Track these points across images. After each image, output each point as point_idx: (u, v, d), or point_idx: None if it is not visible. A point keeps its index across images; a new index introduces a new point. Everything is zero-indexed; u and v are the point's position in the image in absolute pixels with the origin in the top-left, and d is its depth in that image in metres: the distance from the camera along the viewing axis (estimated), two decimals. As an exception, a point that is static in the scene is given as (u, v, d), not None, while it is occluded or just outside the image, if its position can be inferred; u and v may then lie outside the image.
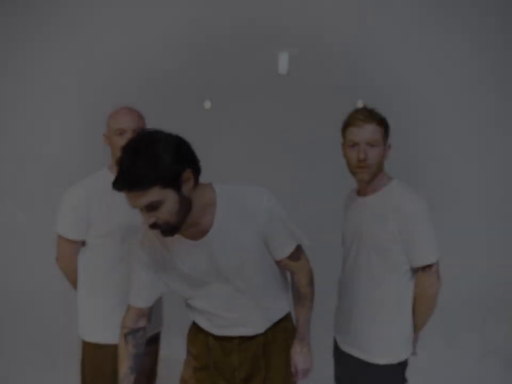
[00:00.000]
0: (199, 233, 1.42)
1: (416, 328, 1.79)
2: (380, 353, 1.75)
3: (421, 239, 1.65)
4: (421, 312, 1.74)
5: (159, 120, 2.34)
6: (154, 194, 1.25)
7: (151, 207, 1.27)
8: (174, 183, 1.28)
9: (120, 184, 1.25)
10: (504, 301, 2.97)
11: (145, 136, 1.30)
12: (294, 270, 1.58)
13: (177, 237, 1.41)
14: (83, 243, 1.92)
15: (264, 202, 1.42)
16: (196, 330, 1.67)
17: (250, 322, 1.56)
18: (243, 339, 1.58)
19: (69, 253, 1.92)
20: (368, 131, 1.69)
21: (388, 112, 1.79)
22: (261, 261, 1.49)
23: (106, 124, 1.92)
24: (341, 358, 1.89)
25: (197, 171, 1.36)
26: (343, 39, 2.89)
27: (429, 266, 1.67)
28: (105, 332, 1.89)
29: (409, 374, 1.83)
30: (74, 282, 1.98)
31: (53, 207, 1.96)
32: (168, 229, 1.32)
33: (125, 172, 1.23)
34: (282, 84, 3.01)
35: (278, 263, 1.56)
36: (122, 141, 1.85)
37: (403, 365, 1.78)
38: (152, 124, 2.04)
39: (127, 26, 2.87)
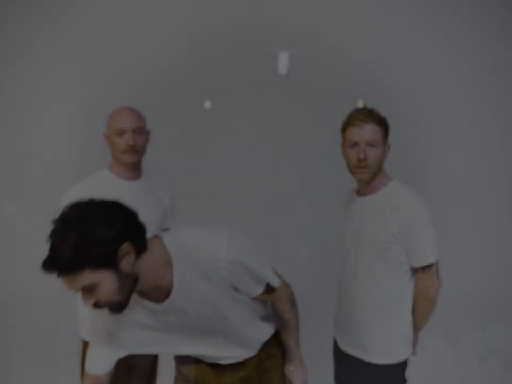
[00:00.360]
0: (162, 295, 1.28)
1: (416, 328, 1.79)
2: (379, 353, 1.75)
3: (421, 239, 1.65)
4: (420, 312, 1.74)
5: (159, 120, 2.35)
6: (86, 278, 1.11)
7: (87, 290, 1.14)
8: (108, 262, 1.13)
9: (48, 267, 1.10)
10: (505, 301, 2.97)
11: (74, 211, 1.14)
12: (273, 300, 1.46)
13: (140, 302, 1.29)
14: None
15: (223, 252, 1.24)
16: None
17: (234, 354, 1.48)
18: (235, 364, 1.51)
19: (69, 252, 1.91)
20: (368, 131, 1.69)
21: (387, 112, 1.79)
22: (233, 303, 1.36)
23: (107, 124, 1.93)
24: (341, 358, 1.89)
25: (139, 240, 1.19)
26: (343, 39, 2.90)
27: (429, 266, 1.67)
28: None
29: (410, 374, 1.83)
30: (74, 282, 1.98)
31: (52, 208, 1.96)
32: (113, 307, 1.19)
33: (52, 254, 1.10)
34: (282, 84, 3.01)
35: (255, 298, 1.43)
36: (122, 141, 1.85)
37: (403, 365, 1.78)
38: (152, 123, 2.05)
39: (127, 26, 2.87)
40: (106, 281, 1.13)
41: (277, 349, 1.58)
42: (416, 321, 1.77)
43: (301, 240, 3.14)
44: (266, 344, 1.54)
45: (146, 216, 1.95)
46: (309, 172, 3.08)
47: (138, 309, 1.30)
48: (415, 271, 1.72)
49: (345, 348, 1.85)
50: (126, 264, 1.16)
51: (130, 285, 1.18)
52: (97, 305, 1.17)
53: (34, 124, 2.90)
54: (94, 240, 1.10)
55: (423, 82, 2.95)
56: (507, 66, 2.99)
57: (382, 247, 1.70)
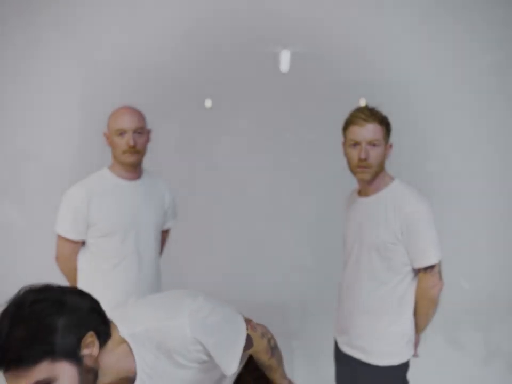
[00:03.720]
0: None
1: (418, 329, 1.78)
2: (381, 354, 1.74)
3: (423, 239, 1.65)
4: (422, 313, 1.73)
5: (160, 119, 2.35)
6: (41, 371, 0.95)
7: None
8: (70, 353, 0.99)
9: (2, 358, 0.94)
10: (509, 302, 2.96)
11: (30, 294, 1.02)
12: (252, 353, 1.35)
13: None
14: (83, 243, 1.92)
15: (188, 336, 1.11)
16: None
17: None
18: None
19: (69, 253, 1.91)
20: (369, 130, 1.68)
21: (389, 111, 1.78)
22: (207, 380, 1.24)
23: (107, 124, 1.92)
24: (342, 359, 1.88)
25: (102, 330, 1.07)
26: (344, 37, 2.89)
27: (431, 267, 1.66)
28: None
29: (411, 375, 1.82)
30: (74, 283, 1.97)
31: (52, 208, 1.95)
32: None
33: (1, 346, 0.94)
34: (283, 82, 3.00)
35: None
36: (122, 141, 1.85)
37: (404, 367, 1.77)
38: (152, 123, 2.04)
39: (127, 26, 2.86)
40: (65, 376, 0.97)
41: (266, 381, 1.48)
42: (418, 322, 1.76)
43: (301, 240, 3.13)
44: (252, 368, 1.44)
45: (147, 216, 1.96)
46: (310, 172, 3.08)
47: None
48: (417, 271, 1.71)
49: (346, 349, 1.84)
50: (88, 356, 1.02)
51: (91, 380, 1.04)
52: None
53: (34, 124, 2.90)
54: (55, 327, 0.97)
55: (424, 81, 2.94)
56: (508, 66, 2.98)
57: (384, 247, 1.69)
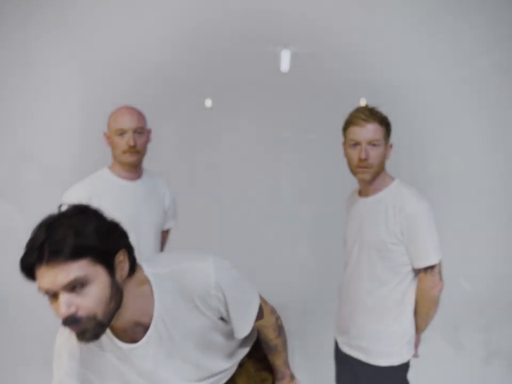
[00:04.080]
0: (139, 333, 1.13)
1: (418, 329, 1.78)
2: (381, 354, 1.74)
3: (423, 240, 1.65)
4: (423, 314, 1.73)
5: (160, 119, 2.34)
6: (80, 268, 0.96)
7: (73, 288, 0.96)
8: (106, 260, 1.01)
9: (34, 253, 0.95)
10: (509, 301, 2.96)
11: (73, 207, 1.06)
12: (259, 329, 1.36)
13: (116, 343, 1.13)
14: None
15: (211, 280, 1.12)
16: None
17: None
18: None
19: (69, 253, 1.91)
20: (369, 130, 1.68)
21: (389, 111, 1.78)
22: (220, 335, 1.25)
23: (107, 124, 1.92)
24: (342, 359, 1.88)
25: (131, 257, 1.09)
26: (345, 37, 2.88)
27: (431, 267, 1.66)
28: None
29: (412, 376, 1.82)
30: (74, 283, 1.98)
31: (52, 208, 1.95)
32: (91, 328, 0.99)
33: (42, 240, 0.94)
34: (283, 82, 3.00)
35: None
36: (122, 141, 1.85)
37: (405, 367, 1.77)
38: (152, 123, 2.04)
39: (127, 26, 2.86)
40: (100, 280, 0.99)
41: (268, 373, 1.50)
42: (418, 323, 1.76)
43: (301, 240, 3.13)
44: (255, 359, 1.46)
45: (146, 216, 1.96)
46: (310, 172, 3.07)
47: (109, 348, 1.14)
48: (417, 272, 1.71)
49: (346, 349, 1.84)
50: (120, 273, 1.04)
51: (116, 303, 1.03)
52: (74, 318, 0.97)
53: (33, 124, 2.89)
54: (96, 229, 0.99)
55: (424, 81, 2.94)
56: (508, 65, 2.98)
57: (384, 248, 1.69)
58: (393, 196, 1.71)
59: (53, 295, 0.98)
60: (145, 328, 1.13)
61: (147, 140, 1.96)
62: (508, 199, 3.02)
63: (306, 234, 3.13)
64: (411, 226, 1.64)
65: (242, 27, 2.84)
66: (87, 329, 0.99)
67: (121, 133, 1.85)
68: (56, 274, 0.94)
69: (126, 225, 1.86)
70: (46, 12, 2.86)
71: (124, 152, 1.85)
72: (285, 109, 2.98)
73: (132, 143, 1.83)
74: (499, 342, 2.93)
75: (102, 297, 0.99)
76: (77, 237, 0.96)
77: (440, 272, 1.68)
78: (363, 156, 1.67)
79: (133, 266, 1.09)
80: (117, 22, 2.87)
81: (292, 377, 1.52)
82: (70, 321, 0.96)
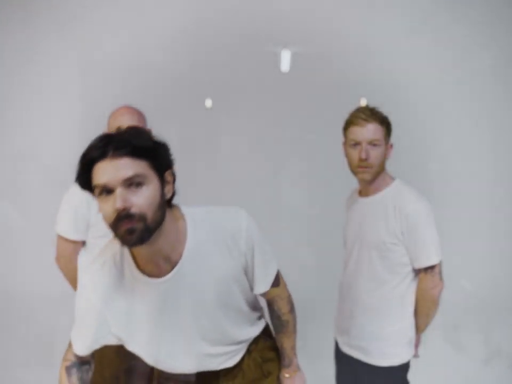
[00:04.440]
0: (167, 267, 1.16)
1: (419, 330, 1.78)
2: (381, 355, 1.74)
3: (424, 240, 1.65)
4: (423, 314, 1.73)
5: (160, 119, 2.33)
6: (140, 167, 1.03)
7: (132, 184, 1.02)
8: (159, 171, 1.08)
9: (98, 149, 1.03)
10: (509, 301, 2.96)
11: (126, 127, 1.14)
12: (273, 298, 1.38)
13: (139, 274, 1.17)
14: (83, 243, 1.91)
15: (244, 223, 1.21)
16: None
17: (222, 354, 1.33)
18: (227, 369, 1.37)
19: (69, 253, 1.91)
20: (370, 130, 1.68)
21: (389, 111, 1.77)
22: (239, 290, 1.27)
23: (107, 124, 1.92)
24: (342, 359, 1.88)
25: (174, 186, 1.16)
26: (345, 37, 2.88)
27: (432, 267, 1.66)
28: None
29: (412, 376, 1.82)
30: (74, 283, 1.97)
31: (52, 208, 1.95)
32: (139, 229, 1.03)
33: (107, 140, 1.04)
34: (284, 82, 3.00)
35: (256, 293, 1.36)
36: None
37: (405, 367, 1.77)
38: (152, 122, 2.03)
39: (127, 26, 2.86)
40: (154, 185, 1.06)
41: (273, 352, 1.49)
42: (418, 323, 1.76)
43: (301, 240, 3.13)
44: (262, 344, 1.45)
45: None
46: (310, 172, 3.07)
47: (137, 283, 1.17)
48: (417, 272, 1.71)
49: (346, 349, 1.84)
50: (167, 191, 1.11)
51: (161, 216, 1.08)
52: (127, 214, 1.01)
53: (33, 124, 2.89)
54: (155, 142, 1.09)
55: (425, 81, 2.94)
56: (509, 66, 2.98)
57: (384, 248, 1.69)
58: (394, 196, 1.71)
59: (108, 192, 1.03)
60: (172, 266, 1.16)
61: (147, 140, 1.95)
62: (508, 199, 3.01)
63: (306, 234, 3.12)
64: (411, 227, 1.64)
65: (242, 27, 2.83)
66: (136, 228, 1.02)
67: (121, 133, 1.85)
68: (118, 168, 1.01)
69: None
70: (47, 12, 2.86)
71: (124, 152, 1.85)
72: (285, 109, 2.98)
73: (132, 143, 1.83)
74: (499, 342, 2.93)
75: (153, 201, 1.04)
76: (139, 139, 1.05)
77: (440, 273, 1.68)
78: (363, 156, 1.67)
79: (173, 196, 1.15)
80: (117, 22, 2.87)
81: (298, 367, 1.51)
82: (124, 216, 1.01)
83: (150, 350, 1.28)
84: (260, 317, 1.46)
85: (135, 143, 1.04)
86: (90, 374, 1.30)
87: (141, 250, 1.12)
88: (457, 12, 2.94)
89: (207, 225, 1.19)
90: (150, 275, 1.17)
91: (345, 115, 1.78)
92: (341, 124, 1.78)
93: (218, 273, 1.20)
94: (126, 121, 1.85)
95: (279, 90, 2.91)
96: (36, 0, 2.86)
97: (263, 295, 1.36)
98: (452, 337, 2.93)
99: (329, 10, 2.85)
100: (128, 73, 2.83)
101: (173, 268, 1.16)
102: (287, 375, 1.49)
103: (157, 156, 1.07)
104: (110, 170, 1.02)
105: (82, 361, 1.30)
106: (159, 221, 1.08)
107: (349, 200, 1.96)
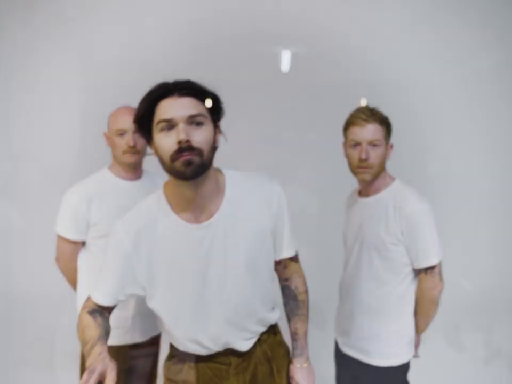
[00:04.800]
0: (203, 217, 1.25)
1: (419, 330, 1.78)
2: (381, 355, 1.74)
3: (424, 240, 1.64)
4: (423, 314, 1.73)
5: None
6: (203, 108, 1.19)
7: (194, 122, 1.15)
8: (215, 119, 1.23)
9: (181, 84, 1.17)
10: (509, 301, 2.96)
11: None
12: (291, 274, 1.45)
13: (175, 220, 1.24)
14: (83, 244, 1.91)
15: (277, 189, 1.34)
16: (177, 360, 1.42)
17: (241, 326, 1.34)
18: (238, 359, 1.37)
19: (69, 253, 1.90)
20: (370, 131, 1.68)
21: (389, 111, 1.77)
22: (265, 254, 1.34)
23: (107, 124, 1.91)
24: (342, 360, 1.88)
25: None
26: (345, 37, 2.88)
27: (432, 267, 1.66)
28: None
29: (412, 377, 1.82)
30: (74, 283, 1.97)
31: (52, 208, 1.95)
32: (196, 162, 1.14)
33: (179, 80, 1.19)
34: (284, 82, 2.99)
35: (277, 264, 1.42)
36: (122, 141, 1.84)
37: (405, 367, 1.77)
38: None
39: (127, 26, 2.85)
40: (210, 128, 1.19)
41: (283, 348, 1.49)
42: (418, 323, 1.76)
43: (301, 240, 3.12)
44: (272, 339, 1.45)
45: (146, 216, 1.95)
46: (310, 172, 3.07)
47: (173, 228, 1.24)
48: (417, 272, 1.71)
49: (346, 349, 1.84)
50: (216, 139, 1.23)
51: (211, 159, 1.21)
52: (190, 145, 1.13)
53: (33, 124, 2.89)
54: (214, 93, 1.23)
55: (425, 81, 2.94)
56: (509, 66, 2.98)
57: (384, 248, 1.69)
58: (394, 196, 1.71)
59: (170, 128, 1.15)
60: (208, 217, 1.25)
61: (147, 140, 1.95)
62: (508, 199, 3.01)
63: (307, 235, 3.12)
64: (411, 227, 1.64)
65: (242, 27, 2.83)
66: (194, 161, 1.14)
67: (121, 133, 1.84)
68: (184, 106, 1.15)
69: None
70: (47, 12, 2.85)
71: (124, 152, 1.85)
72: (285, 109, 2.98)
73: (131, 143, 1.83)
74: (501, 342, 2.93)
75: (209, 141, 1.18)
76: (201, 86, 1.20)
77: (440, 273, 1.68)
78: (363, 156, 1.67)
79: (216, 149, 1.25)
80: (117, 22, 2.86)
81: (309, 359, 1.50)
82: (185, 148, 1.13)
83: (171, 305, 1.30)
84: (274, 310, 1.46)
85: (199, 87, 1.19)
86: (110, 328, 1.28)
87: (185, 192, 1.21)
88: (458, 12, 2.94)
89: (243, 185, 1.30)
90: (189, 221, 1.25)
91: (345, 115, 1.77)
92: (341, 124, 1.78)
93: (251, 229, 1.28)
94: (126, 121, 1.84)
95: (279, 90, 2.91)
96: (36, 0, 2.86)
97: (284, 269, 1.43)
98: (452, 337, 2.93)
99: (329, 10, 2.85)
100: (128, 73, 2.83)
101: (208, 219, 1.25)
102: (298, 365, 1.47)
103: (214, 104, 1.21)
104: (175, 107, 1.15)
105: (103, 311, 1.29)
106: (210, 162, 1.21)
107: (348, 201, 1.96)
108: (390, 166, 1.79)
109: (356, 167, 1.72)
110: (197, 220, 1.25)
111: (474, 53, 2.99)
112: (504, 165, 3.05)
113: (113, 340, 1.87)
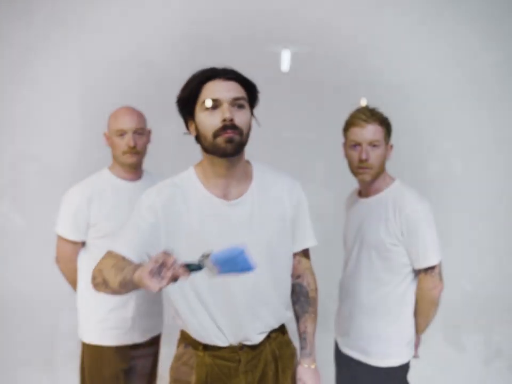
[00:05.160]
0: (233, 195, 1.33)
1: (419, 330, 1.78)
2: (381, 355, 1.73)
3: (424, 240, 1.64)
4: (423, 314, 1.73)
5: (160, 119, 2.33)
6: (244, 94, 1.30)
7: (236, 104, 1.26)
8: (252, 108, 1.34)
9: (229, 70, 1.29)
10: (510, 302, 2.95)
11: None
12: (304, 271, 1.48)
13: (205, 194, 1.31)
14: (83, 244, 1.91)
15: (298, 184, 1.45)
16: (185, 360, 1.41)
17: (256, 312, 1.35)
18: (247, 356, 1.36)
19: (69, 253, 1.90)
20: (370, 131, 1.68)
21: (389, 111, 1.77)
22: (285, 242, 1.40)
23: (107, 124, 1.91)
24: (342, 360, 1.87)
25: None
26: (345, 37, 2.88)
27: (431, 268, 1.66)
28: (104, 334, 1.88)
29: (413, 378, 1.82)
30: (74, 283, 1.97)
31: (52, 209, 1.95)
32: (236, 140, 1.25)
33: (229, 67, 1.30)
34: (284, 82, 2.99)
35: (294, 256, 1.46)
36: (122, 142, 1.84)
37: (405, 368, 1.77)
38: (153, 123, 2.03)
39: (128, 26, 2.85)
40: (249, 113, 1.31)
41: (289, 349, 1.48)
42: (418, 323, 1.76)
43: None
44: (280, 339, 1.44)
45: (146, 217, 1.95)
46: (310, 172, 3.07)
47: (203, 202, 1.32)
48: (417, 272, 1.71)
49: (346, 350, 1.83)
50: (251, 125, 1.33)
51: (246, 142, 1.30)
52: (233, 123, 1.23)
53: (34, 124, 2.89)
54: (254, 83, 1.35)
55: (425, 82, 2.94)
56: (509, 66, 2.98)
57: (384, 248, 1.69)
58: (394, 196, 1.70)
59: (214, 107, 1.25)
60: (237, 196, 1.33)
61: (147, 141, 1.95)
62: (508, 200, 3.01)
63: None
64: (411, 227, 1.64)
65: (242, 27, 2.83)
66: (235, 139, 1.24)
67: (121, 133, 1.84)
68: (229, 88, 1.26)
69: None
70: (47, 12, 2.85)
71: (124, 153, 1.85)
72: (285, 109, 2.97)
73: (131, 143, 1.83)
74: (501, 343, 2.93)
75: (248, 123, 1.30)
76: (243, 75, 1.32)
77: (440, 273, 1.68)
78: (363, 157, 1.67)
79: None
80: (118, 23, 2.86)
81: (315, 360, 1.49)
82: (228, 126, 1.23)
83: (193, 279, 1.26)
84: (287, 309, 1.47)
85: (241, 75, 1.31)
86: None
87: (220, 169, 1.30)
88: (459, 12, 2.94)
89: (268, 175, 1.41)
90: (217, 197, 1.32)
91: (345, 115, 1.78)
92: (341, 124, 1.78)
93: (274, 214, 1.37)
94: (126, 122, 1.84)
95: (279, 91, 2.90)
96: (37, 1, 2.86)
97: (298, 264, 1.47)
98: (453, 338, 2.93)
99: (329, 10, 2.85)
100: (129, 73, 2.83)
101: (237, 198, 1.33)
102: (306, 366, 1.47)
103: (252, 92, 1.33)
104: (221, 88, 1.26)
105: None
106: (246, 142, 1.30)
107: (348, 201, 1.96)
108: (390, 166, 1.79)
109: (356, 168, 1.72)
110: (226, 198, 1.32)
111: (475, 53, 2.99)
112: (504, 165, 3.05)
113: (113, 340, 1.88)
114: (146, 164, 2.02)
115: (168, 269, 0.98)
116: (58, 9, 2.87)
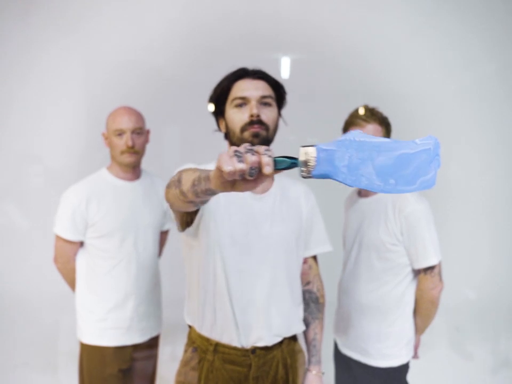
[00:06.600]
0: (257, 190, 1.39)
1: (418, 331, 1.78)
2: (380, 356, 1.73)
3: (423, 240, 1.64)
4: (423, 315, 1.73)
5: (160, 120, 2.34)
6: (272, 93, 1.36)
7: (264, 102, 1.33)
8: (280, 108, 1.42)
9: (257, 70, 1.37)
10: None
11: None
12: (314, 277, 1.52)
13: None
14: (81, 244, 1.91)
15: (310, 192, 1.52)
16: (194, 362, 1.40)
17: (272, 311, 1.36)
18: (259, 361, 1.35)
19: (67, 253, 1.90)
20: (369, 131, 1.68)
21: (390, 115, 1.77)
22: (299, 242, 1.45)
23: (106, 124, 1.91)
24: (342, 360, 1.87)
25: None
26: (345, 43, 2.87)
27: (431, 268, 1.65)
28: (103, 334, 1.88)
29: (414, 380, 1.80)
30: (72, 283, 1.97)
31: (53, 209, 1.95)
32: (262, 135, 1.31)
33: (259, 68, 1.39)
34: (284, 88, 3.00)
35: (304, 264, 1.49)
36: (121, 142, 1.84)
37: (404, 368, 1.76)
38: (154, 125, 2.03)
39: (129, 27, 2.86)
40: (276, 111, 1.38)
41: (301, 357, 1.49)
42: (418, 324, 1.76)
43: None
44: (292, 346, 1.44)
45: (145, 217, 1.95)
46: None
47: (229, 194, 1.33)
48: (416, 273, 1.71)
49: (346, 350, 1.83)
50: (277, 124, 1.40)
51: (273, 139, 1.37)
52: (260, 119, 1.31)
53: (35, 125, 2.89)
54: (282, 84, 1.43)
55: (426, 86, 2.93)
56: (508, 70, 2.97)
57: (383, 248, 1.68)
58: (393, 196, 1.70)
59: (243, 104, 1.33)
60: (262, 192, 1.39)
61: (146, 141, 1.95)
62: (509, 201, 3.00)
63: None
64: (411, 227, 1.63)
65: (242, 34, 2.83)
66: (261, 134, 1.32)
67: (120, 133, 1.84)
68: (257, 87, 1.34)
69: (124, 226, 1.87)
70: (48, 13, 2.86)
71: (122, 152, 1.85)
72: (285, 116, 2.98)
73: (130, 143, 1.83)
74: (509, 351, 2.90)
75: (274, 119, 1.36)
76: (271, 76, 1.39)
77: (440, 273, 1.67)
78: (363, 157, 1.67)
79: None
80: (118, 24, 2.87)
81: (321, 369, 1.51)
82: (256, 121, 1.31)
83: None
84: (301, 321, 1.48)
85: (270, 76, 1.38)
86: None
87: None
88: (461, 17, 2.94)
89: (286, 178, 1.47)
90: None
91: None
92: (341, 130, 1.79)
93: (293, 213, 1.42)
94: (124, 122, 1.84)
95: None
96: (37, 1, 2.86)
97: (309, 269, 1.50)
98: (460, 346, 2.91)
99: (329, 16, 2.85)
100: (131, 75, 2.83)
101: (262, 193, 1.39)
102: (314, 372, 1.48)
103: (280, 93, 1.40)
104: (250, 87, 1.33)
105: None
106: (273, 139, 1.37)
107: (348, 201, 1.95)
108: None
109: (356, 168, 1.72)
110: (251, 192, 1.37)
111: (477, 56, 2.99)
112: (504, 166, 3.05)
113: (112, 341, 1.88)
114: (148, 165, 2.02)
115: (254, 153, 0.77)
116: (60, 10, 2.88)
